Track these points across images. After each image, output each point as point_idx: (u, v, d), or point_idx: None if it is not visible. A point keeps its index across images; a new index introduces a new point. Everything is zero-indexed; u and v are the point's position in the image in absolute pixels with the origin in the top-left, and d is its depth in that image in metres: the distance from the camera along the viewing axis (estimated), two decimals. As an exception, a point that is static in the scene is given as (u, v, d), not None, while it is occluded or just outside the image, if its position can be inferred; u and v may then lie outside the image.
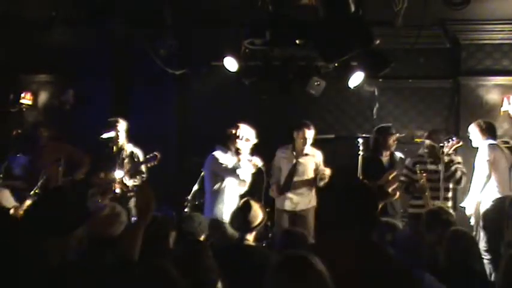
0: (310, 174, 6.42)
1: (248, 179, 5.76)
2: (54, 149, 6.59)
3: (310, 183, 6.40)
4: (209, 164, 5.77)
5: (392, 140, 6.30)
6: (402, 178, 6.19)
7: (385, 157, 6.32)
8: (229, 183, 5.72)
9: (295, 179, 6.40)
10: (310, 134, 6.36)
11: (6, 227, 2.69)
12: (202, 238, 3.99)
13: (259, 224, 4.14)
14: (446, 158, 5.86)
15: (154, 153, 6.16)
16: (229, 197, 5.67)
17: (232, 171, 5.63)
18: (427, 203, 5.84)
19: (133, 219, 5.66)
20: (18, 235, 2.60)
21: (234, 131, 5.71)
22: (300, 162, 6.41)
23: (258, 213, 4.16)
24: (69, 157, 6.54)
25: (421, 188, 5.94)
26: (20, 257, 2.46)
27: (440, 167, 5.92)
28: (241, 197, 5.43)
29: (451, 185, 6.12)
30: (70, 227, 2.70)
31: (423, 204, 5.88)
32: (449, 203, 6.09)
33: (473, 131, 6.22)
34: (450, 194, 6.17)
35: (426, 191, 5.90)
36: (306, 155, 6.42)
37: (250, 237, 4.09)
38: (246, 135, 5.72)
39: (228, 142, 5.77)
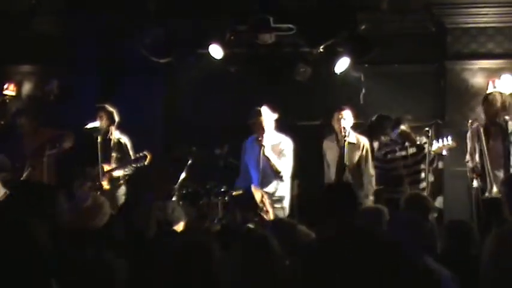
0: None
1: None
2: (36, 136, 6.61)
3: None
4: None
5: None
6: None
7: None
8: None
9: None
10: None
11: None
12: (180, 226, 3.91)
13: None
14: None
15: (144, 153, 6.11)
16: None
17: None
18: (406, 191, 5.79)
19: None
20: None
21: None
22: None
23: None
24: (51, 139, 6.56)
25: (398, 178, 5.93)
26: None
27: (411, 151, 5.94)
28: None
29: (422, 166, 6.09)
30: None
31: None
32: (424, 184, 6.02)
33: None
34: (423, 176, 6.07)
35: (404, 179, 5.90)
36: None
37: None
38: None
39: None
